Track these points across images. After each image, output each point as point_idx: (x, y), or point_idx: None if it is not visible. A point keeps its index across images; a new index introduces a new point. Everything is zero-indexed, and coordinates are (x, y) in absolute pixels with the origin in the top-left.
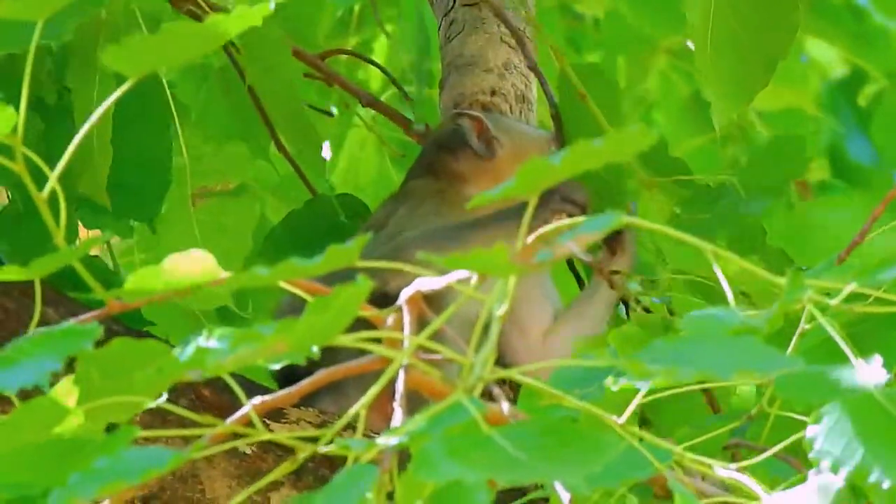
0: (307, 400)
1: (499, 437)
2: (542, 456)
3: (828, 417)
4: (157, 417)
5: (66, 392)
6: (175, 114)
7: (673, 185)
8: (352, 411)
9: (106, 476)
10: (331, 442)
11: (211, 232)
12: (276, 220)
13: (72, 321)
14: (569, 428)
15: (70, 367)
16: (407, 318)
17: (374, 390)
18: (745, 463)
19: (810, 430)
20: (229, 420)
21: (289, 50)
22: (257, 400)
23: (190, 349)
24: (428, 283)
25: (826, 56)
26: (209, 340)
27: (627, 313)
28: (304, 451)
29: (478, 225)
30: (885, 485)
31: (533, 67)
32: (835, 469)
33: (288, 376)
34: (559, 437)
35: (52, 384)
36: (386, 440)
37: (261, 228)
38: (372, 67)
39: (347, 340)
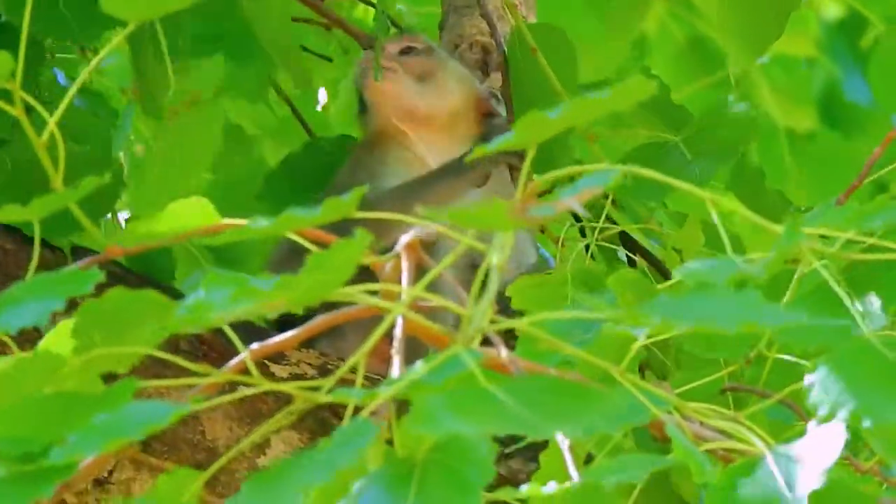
0: (305, 342)
1: (498, 391)
2: (542, 411)
3: (825, 364)
4: (157, 362)
5: (64, 342)
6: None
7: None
8: (352, 361)
9: (107, 432)
10: (331, 390)
11: (177, 144)
12: (274, 163)
13: (72, 265)
14: (568, 383)
15: (69, 312)
16: (405, 265)
17: (372, 340)
18: (744, 412)
19: (808, 378)
20: (227, 366)
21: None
22: (256, 346)
23: (190, 303)
24: (425, 230)
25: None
26: (209, 293)
27: (627, 257)
28: (302, 401)
29: (428, 183)
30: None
31: (484, 15)
32: (832, 415)
33: (285, 317)
34: (559, 392)
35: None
36: (385, 390)
37: (259, 171)
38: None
39: (346, 293)
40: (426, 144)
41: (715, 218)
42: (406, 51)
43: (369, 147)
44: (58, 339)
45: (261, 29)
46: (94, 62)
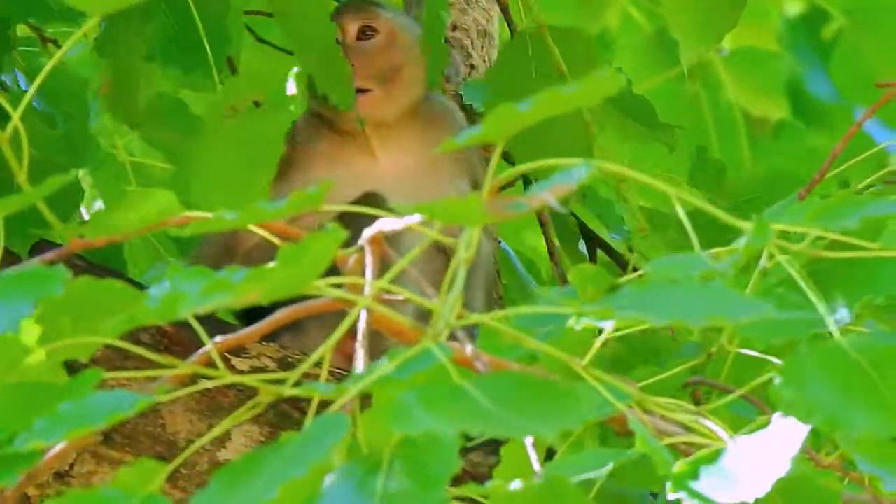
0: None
1: (471, 388)
2: (513, 409)
3: (791, 363)
4: (118, 354)
5: (27, 329)
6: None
7: (633, 123)
8: (317, 354)
9: (71, 421)
10: (296, 384)
11: (241, 146)
12: None
13: (36, 260)
14: (536, 379)
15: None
16: (369, 259)
17: (337, 334)
18: (707, 406)
19: (776, 380)
20: (190, 359)
21: None
22: (219, 339)
23: (160, 295)
24: (389, 223)
25: None
26: (178, 285)
27: (588, 247)
28: (267, 395)
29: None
30: (854, 434)
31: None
32: (800, 416)
33: (247, 310)
34: (528, 388)
35: None
36: (352, 385)
37: None
38: None
39: (311, 286)
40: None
41: (681, 213)
42: (365, 34)
43: (315, 128)
44: (22, 327)
45: (297, 33)
46: (57, 55)
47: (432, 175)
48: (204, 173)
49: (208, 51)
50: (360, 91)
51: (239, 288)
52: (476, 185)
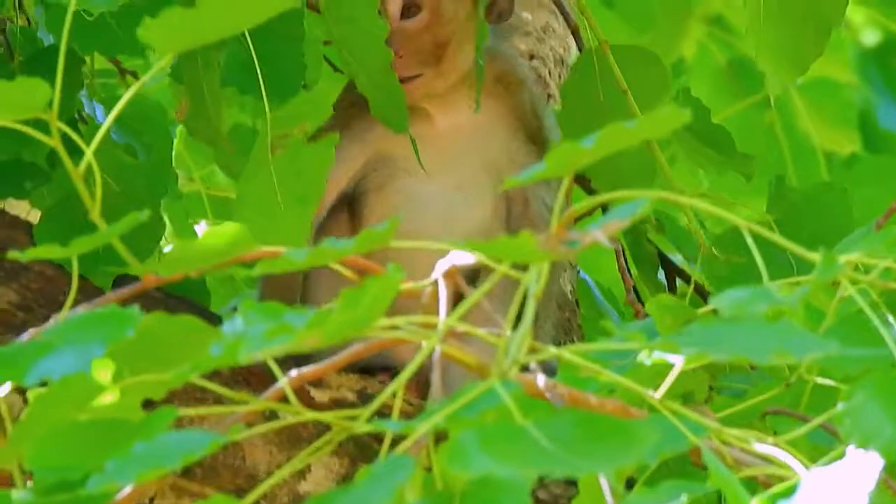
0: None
1: (533, 429)
2: (577, 449)
3: (859, 392)
4: (196, 387)
5: (101, 366)
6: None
7: (709, 152)
8: (390, 388)
9: (144, 461)
10: (369, 419)
11: (287, 178)
12: None
13: (111, 297)
14: (603, 418)
15: None
16: (443, 293)
17: (410, 369)
18: (785, 437)
19: (841, 406)
20: (267, 393)
21: (375, 5)
22: (295, 372)
23: (226, 338)
24: (461, 257)
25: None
26: (246, 326)
27: (667, 277)
28: (341, 431)
29: None
30: None
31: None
32: (864, 445)
33: None
34: (595, 425)
35: None
36: (422, 423)
37: None
38: None
39: (382, 325)
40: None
41: (752, 247)
42: (409, 10)
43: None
44: (96, 364)
45: (351, 57)
46: (133, 87)
47: (487, 136)
48: (249, 206)
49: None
50: (409, 78)
51: (300, 332)
52: (534, 139)
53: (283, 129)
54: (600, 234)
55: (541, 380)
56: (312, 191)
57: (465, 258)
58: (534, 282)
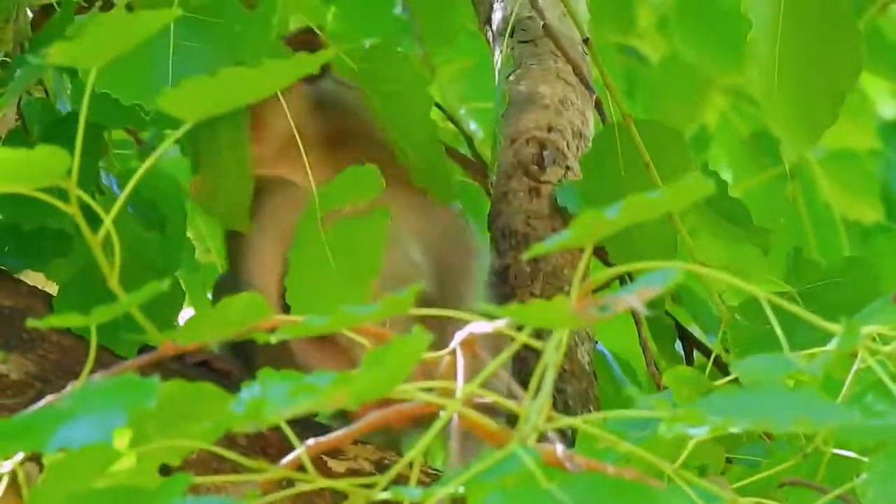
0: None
1: (557, 492)
2: None
3: (882, 462)
4: (213, 456)
5: (118, 433)
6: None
7: (727, 224)
8: (408, 457)
9: None
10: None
11: (342, 253)
12: None
13: (130, 365)
14: (624, 483)
15: None
16: (461, 362)
17: (427, 437)
18: None
19: (864, 476)
20: (284, 462)
21: (417, 76)
22: (312, 442)
23: (246, 400)
24: (482, 326)
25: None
26: (265, 389)
27: (684, 348)
28: (358, 500)
29: None
30: None
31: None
32: None
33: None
34: (617, 491)
35: None
36: (442, 488)
37: None
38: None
39: (405, 391)
40: None
41: (772, 318)
42: None
43: None
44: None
45: (400, 137)
46: (148, 160)
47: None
48: (300, 284)
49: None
50: None
51: (324, 392)
52: None
53: (334, 204)
54: (635, 300)
55: (559, 448)
56: (369, 265)
57: (484, 327)
58: (553, 350)
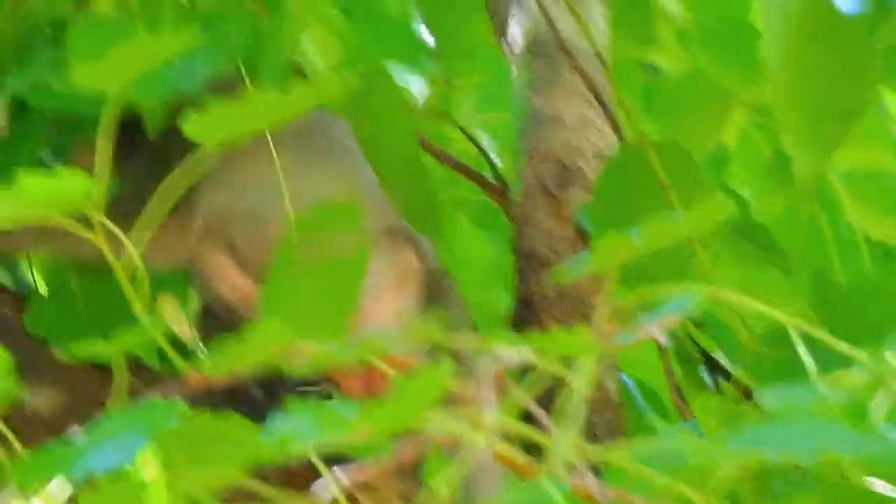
0: None
1: None
2: None
3: None
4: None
5: (145, 463)
6: None
7: (748, 246)
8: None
9: None
10: None
11: (318, 287)
12: None
13: (153, 393)
14: None
15: None
16: (487, 393)
17: (454, 470)
18: None
19: None
20: (311, 495)
21: (404, 105)
22: (341, 473)
23: (274, 433)
24: (509, 355)
25: None
26: (293, 421)
27: (711, 375)
28: None
29: None
30: None
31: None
32: None
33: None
34: None
35: None
36: None
37: None
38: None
39: (433, 421)
40: None
41: (799, 345)
42: None
43: None
44: (140, 462)
45: (382, 167)
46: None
47: None
48: (275, 308)
49: None
50: None
51: (352, 423)
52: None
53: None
54: (657, 328)
55: (590, 480)
56: (346, 301)
57: (511, 356)
58: (580, 377)
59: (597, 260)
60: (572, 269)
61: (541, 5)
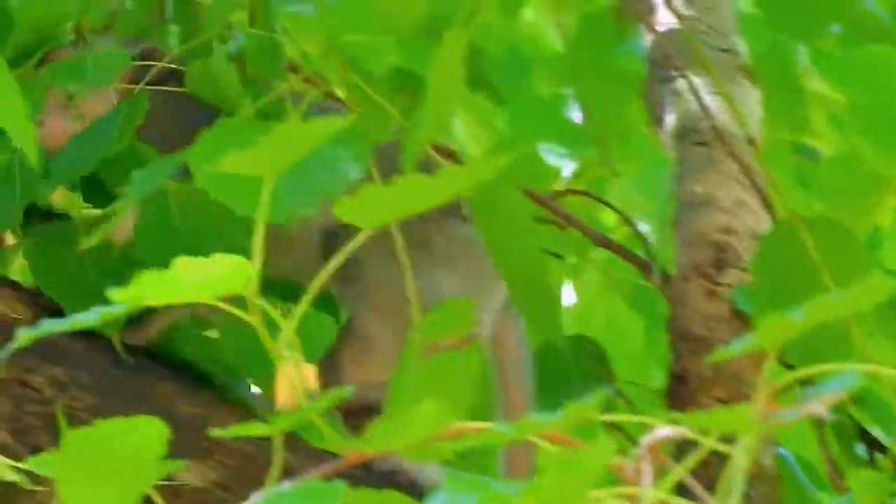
0: None
1: None
2: None
3: None
4: None
5: None
6: None
7: None
8: None
9: None
10: None
11: (434, 384)
12: None
13: (313, 472)
14: None
15: None
16: (646, 468)
17: None
18: None
19: None
20: None
21: (522, 197)
22: None
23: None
24: (666, 431)
25: None
26: (453, 498)
27: (867, 450)
28: None
29: None
30: None
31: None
32: None
33: None
34: None
35: None
36: None
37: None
38: (604, 207)
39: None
40: None
41: None
42: None
43: None
44: None
45: (494, 242)
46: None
47: None
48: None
49: None
50: None
51: (514, 500)
52: None
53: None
54: (819, 405)
55: None
56: (457, 400)
57: (671, 432)
58: (740, 453)
59: (760, 338)
60: (734, 348)
61: (694, 92)
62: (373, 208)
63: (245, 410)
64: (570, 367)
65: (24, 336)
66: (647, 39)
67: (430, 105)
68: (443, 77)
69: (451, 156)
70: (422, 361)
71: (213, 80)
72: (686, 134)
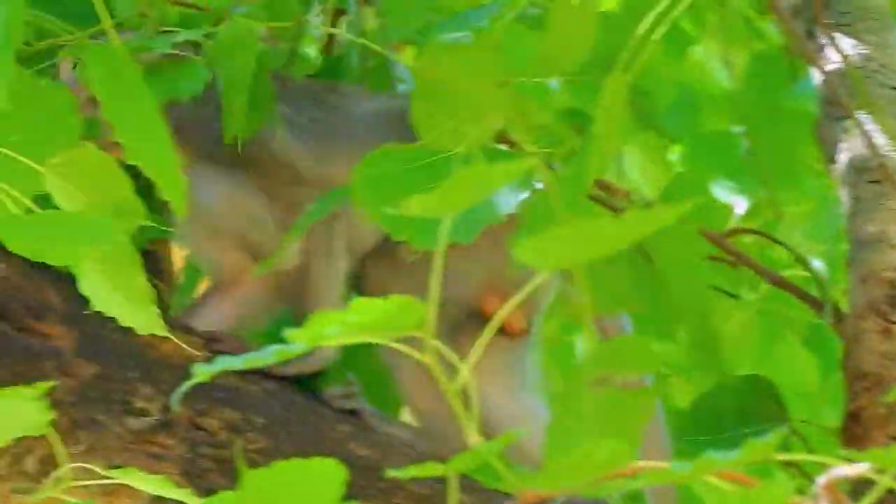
0: None
1: None
2: None
3: None
4: None
5: None
6: None
7: None
8: None
9: None
10: None
11: (604, 421)
12: (683, 403)
13: None
14: None
15: None
16: None
17: None
18: None
19: None
20: None
21: (696, 236)
22: None
23: None
24: (848, 469)
25: None
26: None
27: None
28: None
29: None
30: None
31: None
32: None
33: None
34: None
35: None
36: None
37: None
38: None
39: None
40: None
41: None
42: None
43: None
44: None
45: (670, 279)
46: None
47: None
48: (559, 437)
49: None
50: None
51: None
52: None
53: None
54: None
55: None
56: (629, 440)
57: (848, 471)
58: None
59: None
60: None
61: (865, 133)
62: (554, 252)
63: (416, 452)
64: (744, 406)
65: (201, 372)
66: (817, 79)
67: (594, 144)
68: (607, 117)
69: (607, 189)
70: (593, 396)
71: None
72: (858, 172)
